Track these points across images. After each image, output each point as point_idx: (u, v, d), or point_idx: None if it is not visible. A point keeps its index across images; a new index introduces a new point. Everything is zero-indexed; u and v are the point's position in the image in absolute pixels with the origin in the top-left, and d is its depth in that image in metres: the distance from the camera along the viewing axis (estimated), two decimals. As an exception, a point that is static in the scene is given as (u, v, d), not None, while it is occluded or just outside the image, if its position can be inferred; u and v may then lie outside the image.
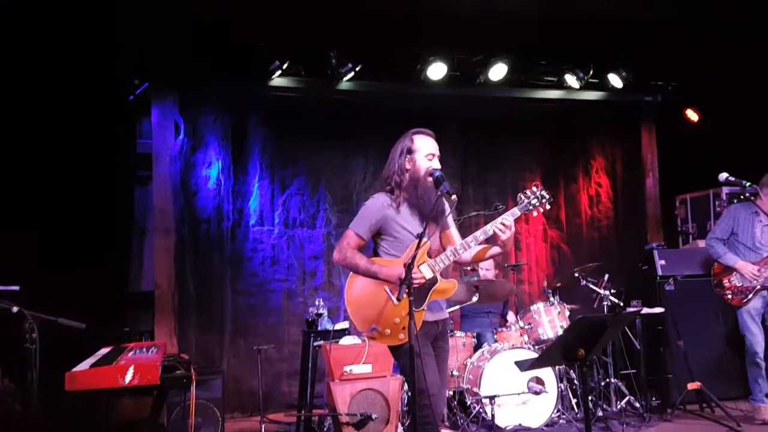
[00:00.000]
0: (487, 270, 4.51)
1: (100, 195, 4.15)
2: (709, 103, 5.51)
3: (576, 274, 4.40)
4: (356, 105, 5.23)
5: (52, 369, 2.38)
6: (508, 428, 3.88)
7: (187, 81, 4.76)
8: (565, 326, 4.15)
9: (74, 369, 2.39)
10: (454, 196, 2.39)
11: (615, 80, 5.32)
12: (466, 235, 2.49)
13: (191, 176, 4.92)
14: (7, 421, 2.73)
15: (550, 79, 5.44)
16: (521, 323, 4.31)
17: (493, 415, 3.79)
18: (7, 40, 3.62)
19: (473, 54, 5.01)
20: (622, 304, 4.32)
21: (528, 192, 2.47)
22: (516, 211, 2.45)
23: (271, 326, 5.02)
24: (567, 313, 4.30)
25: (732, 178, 3.91)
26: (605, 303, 4.28)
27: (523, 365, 2.69)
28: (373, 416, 3.48)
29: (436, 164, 2.50)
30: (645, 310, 4.29)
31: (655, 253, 4.76)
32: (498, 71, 5.04)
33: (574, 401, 4.26)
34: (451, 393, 4.02)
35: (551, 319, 4.24)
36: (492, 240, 2.49)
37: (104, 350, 2.81)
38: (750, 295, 4.06)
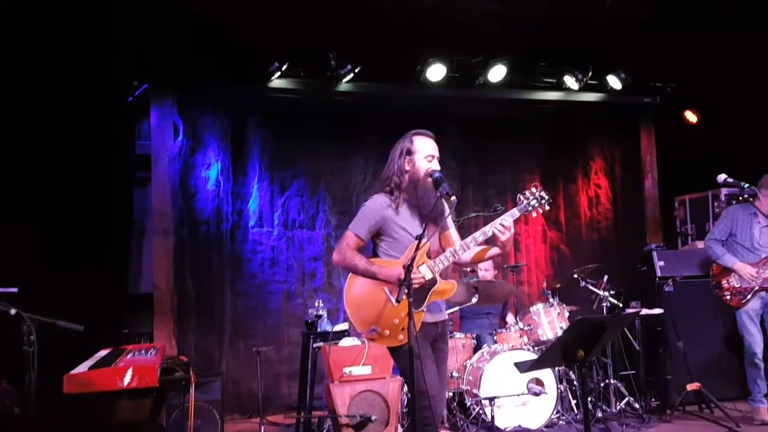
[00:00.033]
0: (486, 271, 4.51)
1: (98, 196, 4.15)
2: (708, 105, 5.52)
3: (575, 276, 4.40)
4: (356, 106, 5.23)
5: (50, 371, 2.37)
6: (507, 429, 3.87)
7: (186, 82, 4.76)
8: (565, 327, 4.15)
9: (72, 371, 2.38)
10: (453, 198, 2.39)
11: (614, 82, 5.33)
12: (466, 236, 2.49)
13: (190, 177, 4.92)
14: (5, 423, 2.72)
15: (549, 80, 5.45)
16: (521, 324, 4.30)
17: (492, 417, 3.79)
18: (6, 40, 3.61)
19: (472, 55, 5.02)
20: (621, 305, 4.32)
21: (527, 193, 2.47)
22: (515, 212, 2.45)
23: (270, 328, 5.01)
24: (566, 314, 4.30)
25: (730, 180, 3.92)
26: (604, 304, 4.29)
27: (523, 367, 2.69)
28: (373, 418, 3.48)
29: (435, 165, 2.50)
30: (644, 311, 4.30)
31: (654, 254, 4.77)
32: (497, 73, 5.04)
33: (573, 402, 4.26)
34: (451, 394, 4.02)
35: (551, 320, 4.24)
36: (491, 241, 2.49)
37: (103, 352, 2.81)
38: (748, 296, 4.06)
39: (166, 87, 4.78)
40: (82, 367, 2.46)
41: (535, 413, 3.94)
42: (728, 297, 4.15)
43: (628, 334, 4.39)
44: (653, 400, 4.48)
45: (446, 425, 3.89)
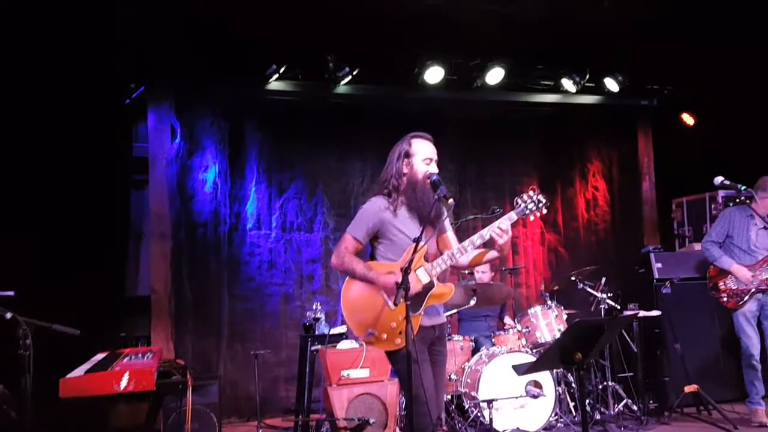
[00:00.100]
0: (483, 273, 4.51)
1: (96, 199, 4.13)
2: (705, 107, 5.54)
3: (573, 278, 4.40)
4: (354, 109, 5.23)
5: (47, 375, 2.36)
6: (505, 432, 3.87)
7: (184, 84, 4.76)
8: (563, 330, 4.15)
9: (69, 375, 2.37)
10: (451, 200, 2.39)
11: (611, 84, 5.34)
12: (464, 239, 2.49)
13: (188, 180, 4.91)
14: (2, 427, 2.71)
15: (546, 83, 5.46)
16: (518, 326, 4.30)
17: (490, 419, 3.78)
18: (5, 41, 3.60)
19: (470, 58, 5.03)
20: (619, 307, 4.33)
21: (525, 196, 2.47)
22: (513, 216, 2.45)
23: (268, 331, 5.00)
24: (564, 317, 4.30)
25: (727, 182, 3.93)
26: (602, 306, 4.29)
27: (521, 369, 2.69)
28: (371, 421, 3.47)
29: (433, 168, 2.50)
30: (642, 313, 4.30)
31: (652, 256, 4.78)
32: (495, 75, 5.05)
33: (571, 405, 4.26)
34: (449, 397, 4.01)
35: (549, 323, 4.24)
36: (489, 244, 2.49)
37: (99, 356, 2.80)
38: (745, 298, 4.07)
39: (163, 89, 4.77)
40: (79, 371, 2.45)
41: (534, 415, 3.93)
42: (725, 299, 4.16)
43: (626, 336, 4.39)
44: (651, 402, 4.48)
45: (444, 428, 3.88)
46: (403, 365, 2.27)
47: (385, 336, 2.41)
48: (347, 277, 2.50)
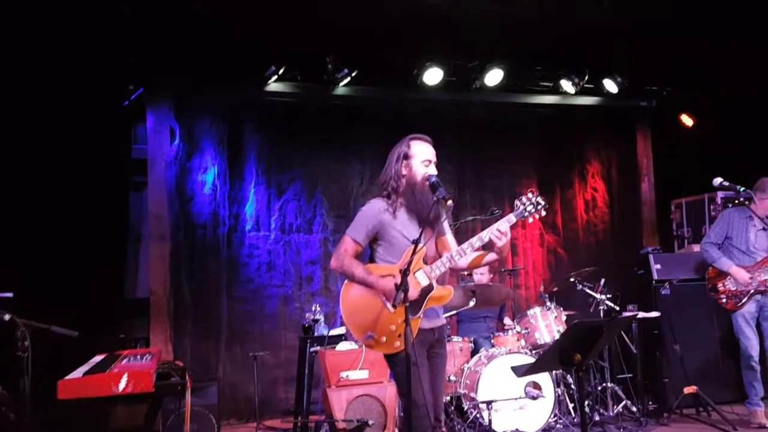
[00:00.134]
0: (481, 274, 4.52)
1: (95, 201, 4.13)
2: (704, 108, 5.55)
3: (572, 279, 4.40)
4: (353, 110, 5.23)
5: (45, 377, 2.36)
6: (505, 434, 3.87)
7: (183, 86, 4.76)
8: (562, 331, 4.15)
9: (67, 377, 2.37)
10: (450, 202, 2.39)
11: (610, 85, 5.35)
12: (463, 241, 2.49)
13: (187, 182, 4.91)
14: (0, 429, 2.70)
15: (545, 84, 5.46)
16: (518, 328, 4.30)
17: (490, 420, 3.78)
18: (4, 42, 3.60)
19: (469, 59, 5.03)
20: (618, 308, 4.33)
21: (524, 198, 2.47)
22: (512, 218, 2.45)
23: (267, 332, 4.99)
24: (564, 318, 4.30)
25: (726, 183, 3.93)
26: (601, 307, 4.29)
27: (520, 370, 2.69)
28: (370, 422, 3.47)
29: (432, 170, 2.50)
30: (641, 315, 4.30)
31: (651, 257, 4.78)
32: (494, 77, 5.06)
33: (571, 406, 4.26)
34: (448, 398, 4.01)
35: (548, 324, 4.24)
36: (488, 246, 2.49)
37: (98, 358, 2.80)
38: (744, 299, 4.07)
39: (162, 91, 4.77)
40: (77, 373, 2.45)
41: (533, 417, 3.93)
42: (724, 300, 4.16)
43: (625, 337, 4.39)
44: (650, 403, 4.48)
45: (444, 430, 3.88)
46: (401, 368, 2.26)
47: (384, 339, 2.40)
48: (346, 280, 2.49)
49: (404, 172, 2.51)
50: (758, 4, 4.07)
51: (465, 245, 2.44)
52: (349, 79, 4.86)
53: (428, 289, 2.43)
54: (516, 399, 3.88)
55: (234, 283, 4.96)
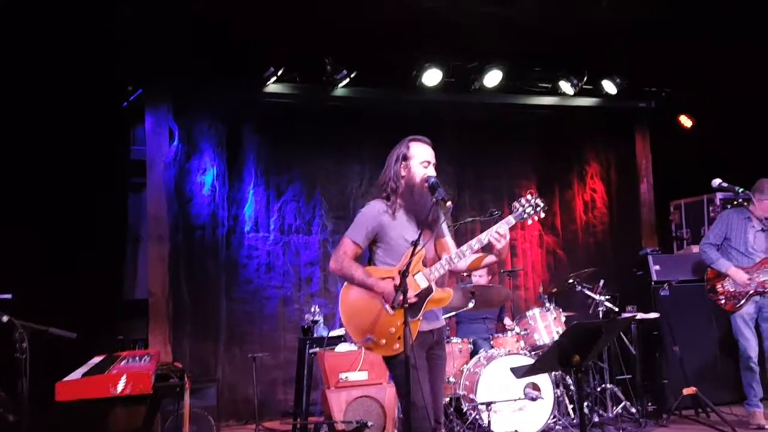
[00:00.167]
0: (479, 276, 4.52)
1: (93, 202, 4.13)
2: (703, 109, 5.55)
3: (571, 280, 4.40)
4: (352, 111, 5.23)
5: (43, 378, 2.36)
6: (504, 435, 3.86)
7: (182, 87, 4.76)
8: (561, 332, 4.15)
9: (66, 378, 2.36)
10: (449, 203, 2.39)
11: (609, 86, 5.35)
12: (462, 242, 2.48)
13: (186, 183, 4.90)
14: (-2, 431, 2.70)
15: (544, 85, 5.47)
16: (517, 329, 4.31)
17: (489, 422, 3.78)
18: (4, 43, 3.60)
19: (468, 60, 5.04)
20: (617, 309, 4.33)
21: (522, 200, 2.46)
22: (511, 220, 2.45)
23: (266, 333, 4.99)
24: (563, 319, 4.30)
25: (725, 184, 3.93)
26: (600, 308, 4.29)
27: (519, 372, 2.68)
28: (369, 424, 3.47)
29: (431, 171, 2.50)
30: (640, 316, 4.30)
31: (650, 258, 4.78)
32: (493, 78, 5.06)
33: (570, 407, 4.25)
34: (448, 399, 4.01)
35: (547, 325, 4.24)
36: (487, 248, 2.48)
37: (96, 359, 2.79)
38: (743, 301, 4.07)
39: (161, 92, 4.77)
40: (76, 375, 2.44)
41: (532, 418, 3.93)
42: (723, 301, 4.16)
43: (625, 338, 4.39)
44: (650, 404, 4.48)
45: (443, 431, 3.88)
46: (401, 371, 2.26)
47: (383, 341, 2.40)
48: (345, 282, 2.49)
49: (403, 173, 2.50)
50: (758, 4, 4.07)
51: (464, 247, 2.44)
52: (348, 80, 4.86)
53: (427, 291, 2.43)
54: (515, 400, 3.87)
55: (233, 284, 4.96)
